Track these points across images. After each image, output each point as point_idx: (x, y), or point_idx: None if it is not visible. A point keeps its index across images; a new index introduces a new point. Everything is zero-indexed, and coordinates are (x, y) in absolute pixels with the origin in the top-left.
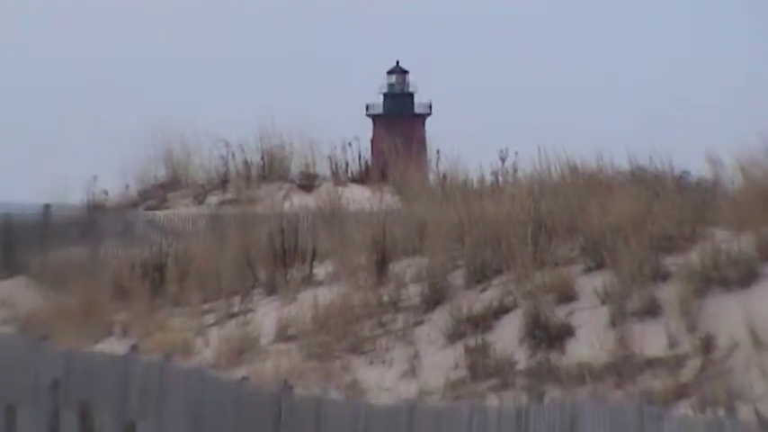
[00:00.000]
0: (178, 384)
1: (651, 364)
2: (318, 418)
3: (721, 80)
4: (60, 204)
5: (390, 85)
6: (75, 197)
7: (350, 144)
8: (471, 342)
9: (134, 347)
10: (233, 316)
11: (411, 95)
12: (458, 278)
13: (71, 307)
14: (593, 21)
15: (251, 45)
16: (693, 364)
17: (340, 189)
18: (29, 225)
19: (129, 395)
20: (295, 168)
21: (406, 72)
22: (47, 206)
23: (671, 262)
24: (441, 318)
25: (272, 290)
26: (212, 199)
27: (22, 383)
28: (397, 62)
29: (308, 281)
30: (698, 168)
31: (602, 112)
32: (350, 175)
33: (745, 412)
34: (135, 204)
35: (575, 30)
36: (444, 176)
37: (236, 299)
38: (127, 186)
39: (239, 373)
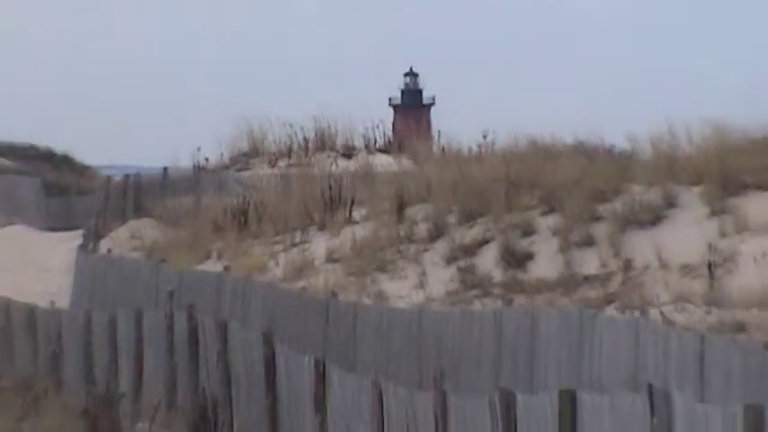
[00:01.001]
0: (257, 293)
1: (588, 279)
2: (355, 317)
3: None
4: (174, 167)
5: (406, 84)
6: (185, 161)
7: (377, 125)
8: (462, 264)
9: (226, 267)
10: (295, 245)
11: (420, 91)
12: (453, 219)
13: (182, 239)
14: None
15: (307, 47)
16: (617, 280)
17: (371, 157)
18: (153, 182)
19: (223, 301)
20: (339, 142)
21: (416, 75)
22: (165, 168)
23: (602, 208)
24: (441, 247)
25: (322, 227)
26: (281, 164)
27: (147, 293)
28: (411, 68)
29: (348, 221)
30: (621, 142)
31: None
32: (377, 147)
33: (653, 313)
34: (227, 167)
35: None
36: (443, 148)
37: (298, 233)
38: (221, 154)
39: (299, 285)
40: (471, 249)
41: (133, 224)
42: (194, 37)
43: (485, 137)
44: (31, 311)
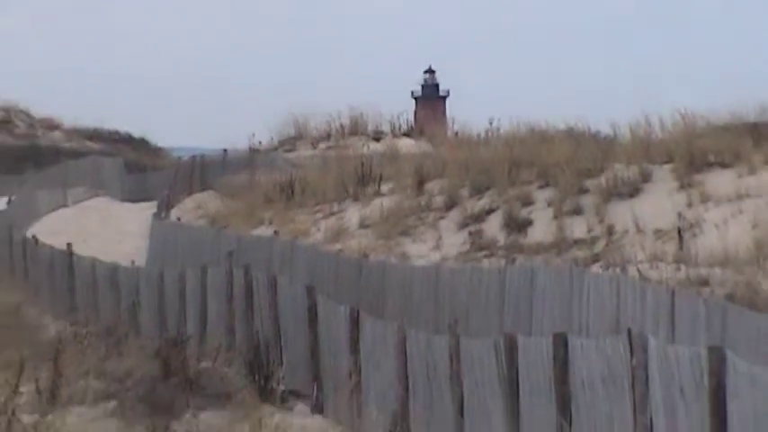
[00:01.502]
0: (301, 253)
1: (577, 242)
2: (383, 274)
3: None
4: (232, 148)
5: (425, 79)
6: (242, 144)
7: (401, 114)
8: (472, 229)
9: (275, 232)
10: (332, 214)
11: (437, 85)
12: (464, 192)
13: (239, 209)
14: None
15: (344, 48)
16: (601, 242)
17: (396, 140)
18: (214, 161)
19: (273, 260)
20: (369, 128)
21: (434, 71)
22: (225, 150)
23: (588, 183)
24: (454, 215)
25: (355, 198)
26: (321, 146)
27: (210, 253)
28: (429, 66)
29: (377, 193)
30: (604, 128)
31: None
32: (401, 132)
33: (631, 270)
34: (276, 149)
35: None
36: (456, 133)
37: (335, 204)
38: (271, 138)
39: (337, 247)
40: (480, 217)
41: (198, 196)
42: (245, 44)
43: (491, 123)
44: (113, 269)
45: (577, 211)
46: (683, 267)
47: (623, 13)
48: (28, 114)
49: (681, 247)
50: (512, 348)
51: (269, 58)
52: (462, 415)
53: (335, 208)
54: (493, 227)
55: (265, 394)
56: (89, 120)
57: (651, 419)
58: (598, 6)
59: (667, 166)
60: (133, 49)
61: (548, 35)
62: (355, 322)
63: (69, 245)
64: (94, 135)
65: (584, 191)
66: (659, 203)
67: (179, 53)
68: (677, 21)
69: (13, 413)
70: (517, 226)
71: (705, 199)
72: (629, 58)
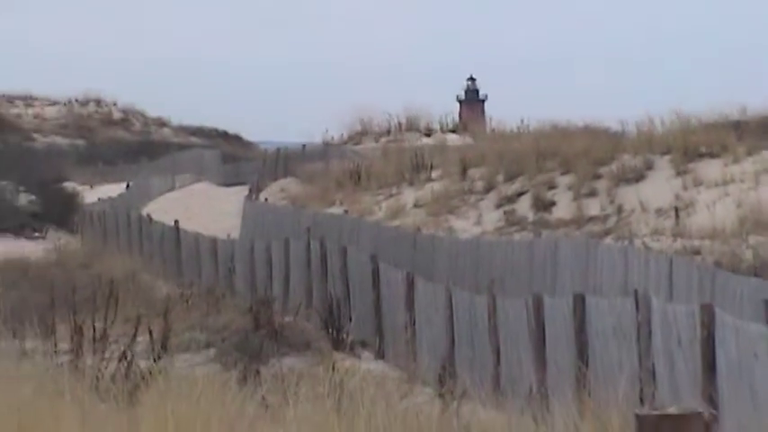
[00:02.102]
0: (366, 228)
1: (592, 219)
2: (433, 245)
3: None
4: (310, 142)
5: (467, 86)
6: (317, 138)
7: (448, 114)
8: (506, 208)
9: (345, 211)
10: (392, 196)
11: (477, 90)
12: (500, 178)
13: (315, 192)
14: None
15: (398, 58)
16: (612, 219)
17: (444, 135)
18: (295, 152)
19: (343, 233)
20: (422, 125)
21: (475, 79)
22: (303, 145)
23: (602, 170)
24: (491, 197)
25: (410, 183)
26: (382, 140)
27: (292, 228)
28: (471, 75)
29: (428, 179)
30: (615, 125)
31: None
32: (448, 128)
33: (637, 242)
34: (345, 142)
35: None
36: (493, 129)
37: (394, 188)
38: (342, 134)
39: (395, 223)
40: (512, 198)
41: (282, 182)
42: (315, 59)
43: (521, 121)
44: (213, 241)
45: (593, 194)
46: (679, 240)
47: (631, 34)
48: (143, 114)
49: (677, 223)
50: (538, 306)
51: (339, 66)
52: (499, 361)
53: (394, 191)
54: (523, 206)
55: (337, 344)
56: (193, 118)
57: (653, 365)
58: (607, 27)
59: (666, 157)
60: (226, 55)
61: (568, 48)
62: (410, 284)
63: (176, 222)
64: (197, 132)
65: (598, 177)
66: (660, 187)
67: (263, 60)
68: (678, 34)
69: (132, 359)
70: (543, 206)
71: (697, 183)
72: (635, 67)
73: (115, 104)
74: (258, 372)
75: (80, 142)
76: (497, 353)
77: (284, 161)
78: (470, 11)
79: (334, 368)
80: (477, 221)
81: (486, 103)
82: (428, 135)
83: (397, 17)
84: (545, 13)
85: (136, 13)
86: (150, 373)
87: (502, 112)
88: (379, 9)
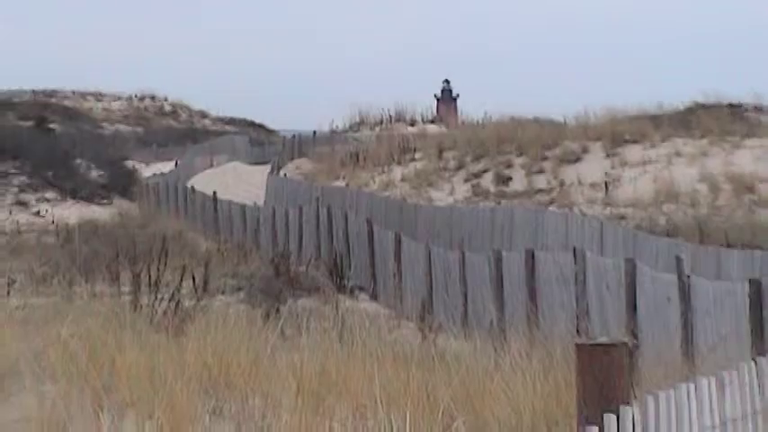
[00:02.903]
0: (363, 197)
1: (540, 191)
2: (416, 211)
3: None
4: (319, 130)
5: (443, 87)
6: (325, 127)
7: (428, 108)
8: (473, 182)
9: (347, 184)
10: (383, 172)
11: (451, 90)
12: (468, 158)
13: (323, 169)
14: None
15: (395, 66)
16: (556, 191)
17: (425, 126)
18: (308, 138)
19: (345, 202)
20: (408, 117)
21: (449, 81)
22: (314, 132)
23: (548, 153)
24: (461, 173)
25: (398, 163)
26: (376, 129)
27: (305, 198)
28: (446, 79)
29: (412, 159)
30: (558, 117)
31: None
32: (429, 120)
33: (575, 209)
34: (347, 130)
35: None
36: (463, 121)
37: (385, 166)
38: (345, 123)
39: (386, 193)
40: (478, 175)
41: (297, 161)
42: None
43: (485, 114)
44: (243, 207)
45: (541, 171)
46: (608, 207)
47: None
48: (188, 108)
49: (607, 195)
50: (498, 260)
51: (343, 69)
52: (467, 302)
53: (385, 169)
54: (486, 181)
55: (340, 288)
56: (227, 110)
57: (588, 305)
58: (558, 35)
59: (598, 143)
60: (256, 59)
61: (523, 51)
62: (398, 242)
63: (214, 192)
64: (230, 121)
65: (545, 158)
66: (593, 166)
67: (285, 64)
68: (611, 43)
69: (179, 299)
70: (502, 180)
71: (623, 164)
72: (575, 69)
73: (166, 99)
74: (278, 310)
75: (139, 129)
76: (465, 296)
77: (299, 145)
78: (448, 23)
79: (337, 307)
80: (450, 192)
81: (457, 100)
82: (412, 125)
83: (391, 32)
84: (510, 24)
85: (189, 26)
86: (193, 310)
87: (470, 106)
88: (377, 25)
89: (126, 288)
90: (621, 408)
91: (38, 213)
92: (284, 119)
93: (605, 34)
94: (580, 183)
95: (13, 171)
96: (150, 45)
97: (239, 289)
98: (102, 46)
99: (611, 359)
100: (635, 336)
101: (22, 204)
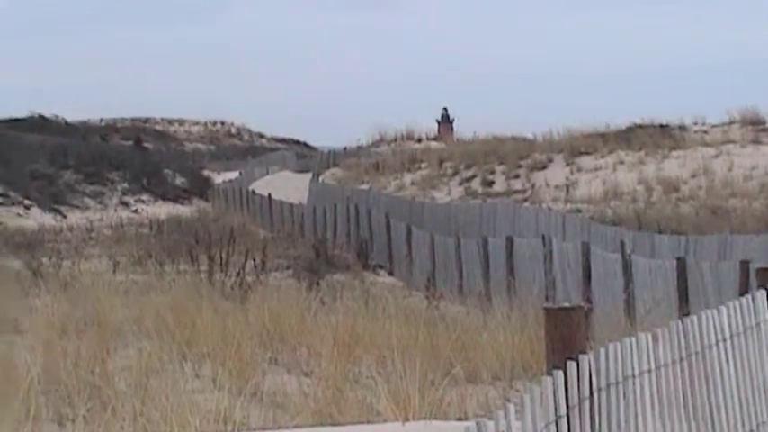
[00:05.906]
0: (382, 197)
1: (516, 191)
2: (422, 207)
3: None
4: (348, 146)
5: (442, 113)
6: (353, 143)
7: (431, 129)
8: (466, 185)
9: (370, 187)
10: (397, 178)
11: (449, 115)
12: (461, 167)
13: (351, 175)
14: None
15: (407, 91)
16: (529, 192)
17: (429, 142)
18: (339, 152)
19: (369, 200)
20: (415, 136)
21: (447, 108)
22: (344, 147)
23: (522, 162)
24: (456, 178)
25: (408, 170)
26: (392, 145)
27: (338, 198)
28: (445, 107)
29: (419, 168)
30: (529, 134)
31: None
32: (432, 138)
33: (544, 206)
34: (369, 146)
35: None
36: (457, 139)
37: (399, 173)
38: (367, 140)
39: (400, 194)
40: (469, 179)
41: (332, 170)
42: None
43: (474, 133)
44: (291, 206)
45: (517, 176)
46: (568, 204)
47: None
48: (249, 130)
49: (567, 194)
50: (485, 244)
51: (367, 93)
52: (461, 276)
53: (398, 175)
54: (475, 184)
55: (365, 266)
56: (278, 131)
57: (554, 279)
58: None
59: (561, 154)
60: (299, 84)
61: (505, 81)
62: (409, 231)
63: (269, 194)
64: (281, 140)
65: (520, 166)
66: (557, 172)
67: (322, 89)
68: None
69: (244, 275)
70: (487, 183)
71: (579, 170)
72: (542, 94)
73: (233, 124)
74: (318, 283)
75: (212, 147)
76: (461, 271)
77: (333, 157)
78: (447, 56)
79: (363, 281)
80: (448, 193)
81: (453, 123)
82: (419, 142)
83: (400, 65)
84: (494, 57)
85: (244, 62)
86: (254, 283)
87: (464, 126)
88: (393, 58)
89: (203, 267)
90: (580, 356)
91: (136, 211)
92: (321, 137)
93: (566, 65)
94: (547, 185)
95: (117, 179)
96: (221, 82)
97: (288, 267)
98: (183, 82)
99: (571, 319)
100: (589, 301)
101: (124, 204)
